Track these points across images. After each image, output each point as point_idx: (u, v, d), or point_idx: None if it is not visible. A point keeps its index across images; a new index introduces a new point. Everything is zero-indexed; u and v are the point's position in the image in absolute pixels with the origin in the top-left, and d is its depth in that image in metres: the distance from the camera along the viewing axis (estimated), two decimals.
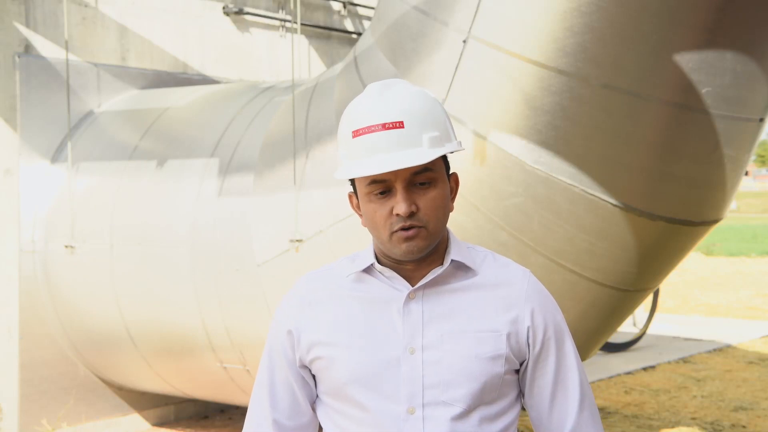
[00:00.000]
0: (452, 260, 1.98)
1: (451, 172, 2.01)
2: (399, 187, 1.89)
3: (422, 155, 1.86)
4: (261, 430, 2.08)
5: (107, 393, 7.11)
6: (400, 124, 1.88)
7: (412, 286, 1.97)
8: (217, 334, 5.88)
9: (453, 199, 2.01)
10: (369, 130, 1.89)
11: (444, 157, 1.98)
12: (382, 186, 1.90)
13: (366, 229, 2.00)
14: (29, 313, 6.71)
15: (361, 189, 1.94)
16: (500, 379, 1.96)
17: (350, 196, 2.03)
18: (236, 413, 7.68)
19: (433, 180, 1.91)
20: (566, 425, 2.02)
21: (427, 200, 1.90)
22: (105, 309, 6.41)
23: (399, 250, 1.91)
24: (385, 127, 1.87)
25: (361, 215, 2.00)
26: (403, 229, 1.89)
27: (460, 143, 1.96)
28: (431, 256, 1.97)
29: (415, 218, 1.89)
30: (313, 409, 2.09)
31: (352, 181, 1.99)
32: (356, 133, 1.90)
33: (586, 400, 2.04)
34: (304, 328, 2.02)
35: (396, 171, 1.88)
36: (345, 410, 1.98)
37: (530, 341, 1.99)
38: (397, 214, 1.89)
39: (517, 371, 2.02)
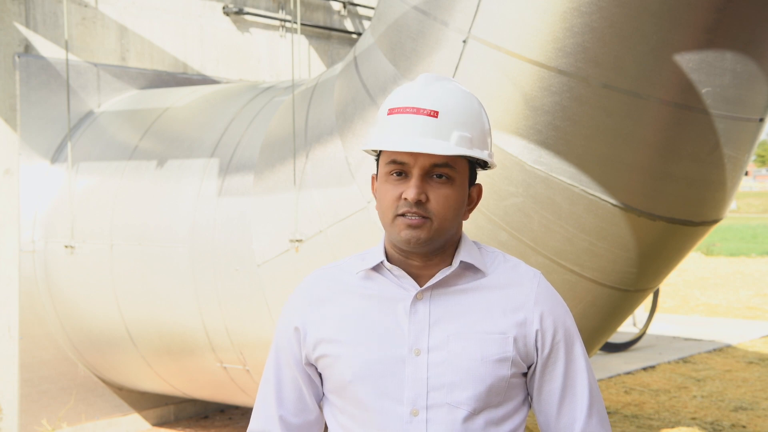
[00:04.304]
0: (461, 261, 1.97)
1: (475, 183, 2.01)
2: (415, 173, 1.89)
3: (444, 148, 1.87)
4: (267, 427, 2.08)
5: (107, 393, 7.11)
6: (434, 114, 1.89)
7: (421, 286, 1.96)
8: (217, 334, 5.88)
9: (471, 209, 2.01)
10: (404, 110, 1.91)
11: (472, 167, 1.98)
12: (400, 168, 1.91)
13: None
14: (29, 313, 6.70)
15: (381, 168, 1.95)
16: (506, 382, 1.94)
17: (373, 178, 2.04)
18: (236, 413, 7.68)
19: (451, 178, 1.91)
20: (574, 430, 2.00)
21: (438, 195, 1.90)
22: (105, 309, 6.41)
23: (399, 236, 1.91)
24: (419, 111, 1.89)
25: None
26: (408, 215, 1.89)
27: (491, 157, 1.96)
28: (440, 255, 1.97)
29: (421, 208, 1.89)
30: (320, 407, 2.08)
31: (378, 162, 2.00)
32: (392, 111, 1.92)
33: (595, 406, 2.02)
34: (311, 325, 2.01)
35: (416, 156, 1.88)
36: (349, 409, 1.98)
37: (539, 345, 1.97)
38: (405, 199, 1.89)
39: (525, 374, 2.00)
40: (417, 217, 1.89)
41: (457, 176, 1.92)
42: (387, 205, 1.92)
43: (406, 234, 1.90)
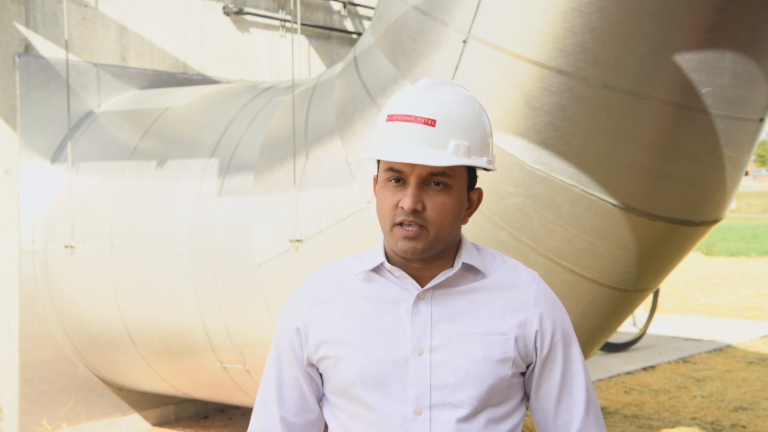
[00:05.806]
0: (462, 263, 1.98)
1: (475, 187, 2.00)
2: (411, 182, 1.89)
3: (440, 158, 1.86)
4: (268, 427, 2.08)
5: (107, 393, 7.11)
6: (432, 122, 1.88)
7: (422, 287, 1.97)
8: (217, 334, 5.88)
9: (470, 213, 2.01)
10: (402, 118, 1.90)
11: (472, 172, 1.98)
12: (397, 175, 1.91)
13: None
14: (29, 313, 6.71)
15: (380, 173, 1.96)
16: (507, 382, 1.96)
17: (374, 179, 2.04)
18: (236, 413, 7.68)
19: (448, 186, 1.91)
20: (571, 429, 2.02)
21: (435, 203, 1.90)
22: (105, 309, 6.41)
23: (396, 246, 1.92)
24: (417, 120, 1.88)
25: None
26: (405, 224, 1.90)
27: (491, 162, 1.96)
28: (441, 258, 1.97)
29: (418, 216, 1.89)
30: (320, 407, 2.09)
31: (379, 164, 2.00)
32: (390, 118, 1.92)
33: (592, 405, 2.05)
34: (313, 326, 2.02)
35: (412, 165, 1.88)
36: (351, 410, 1.98)
37: (538, 345, 1.99)
38: (402, 207, 1.89)
39: (523, 374, 2.02)
40: (414, 227, 1.89)
41: (455, 183, 1.92)
42: (385, 211, 1.93)
43: (402, 245, 1.91)
